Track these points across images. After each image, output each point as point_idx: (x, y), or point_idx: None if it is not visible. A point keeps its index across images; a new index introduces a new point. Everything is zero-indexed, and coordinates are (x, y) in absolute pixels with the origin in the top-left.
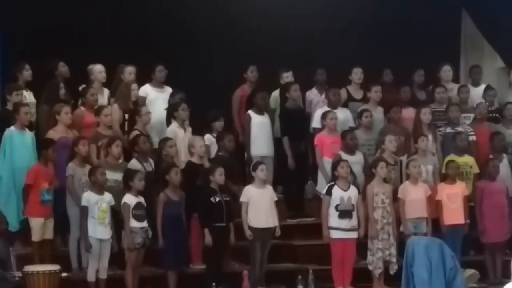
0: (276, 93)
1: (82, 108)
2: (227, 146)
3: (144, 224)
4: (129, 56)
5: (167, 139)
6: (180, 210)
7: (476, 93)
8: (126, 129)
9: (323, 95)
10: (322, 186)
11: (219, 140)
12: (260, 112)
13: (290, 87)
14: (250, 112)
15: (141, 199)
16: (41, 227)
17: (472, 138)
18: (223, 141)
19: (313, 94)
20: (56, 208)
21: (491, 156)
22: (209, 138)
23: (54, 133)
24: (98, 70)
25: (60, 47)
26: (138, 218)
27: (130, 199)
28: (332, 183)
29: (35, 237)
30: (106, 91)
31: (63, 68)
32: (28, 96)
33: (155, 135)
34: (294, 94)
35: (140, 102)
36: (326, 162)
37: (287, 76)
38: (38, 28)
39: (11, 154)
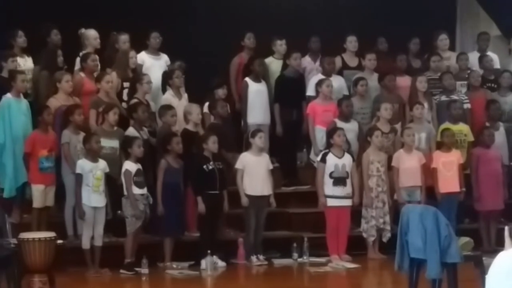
0: (268, 61)
1: (82, 75)
2: (220, 113)
3: (144, 191)
4: (123, 22)
5: (169, 107)
6: (179, 178)
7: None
8: (125, 97)
9: (317, 63)
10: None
11: (212, 109)
12: (257, 79)
13: (291, 55)
14: (247, 79)
15: (140, 166)
16: (41, 194)
17: (467, 106)
18: (216, 109)
19: (306, 61)
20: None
21: (487, 124)
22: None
23: (55, 101)
24: (93, 36)
25: (52, 13)
26: (139, 185)
27: (131, 166)
28: (327, 150)
29: (36, 203)
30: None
31: (55, 36)
32: (24, 63)
33: (150, 101)
34: (293, 62)
35: (139, 70)
36: (318, 130)
37: (281, 44)
38: None
39: (10, 121)
